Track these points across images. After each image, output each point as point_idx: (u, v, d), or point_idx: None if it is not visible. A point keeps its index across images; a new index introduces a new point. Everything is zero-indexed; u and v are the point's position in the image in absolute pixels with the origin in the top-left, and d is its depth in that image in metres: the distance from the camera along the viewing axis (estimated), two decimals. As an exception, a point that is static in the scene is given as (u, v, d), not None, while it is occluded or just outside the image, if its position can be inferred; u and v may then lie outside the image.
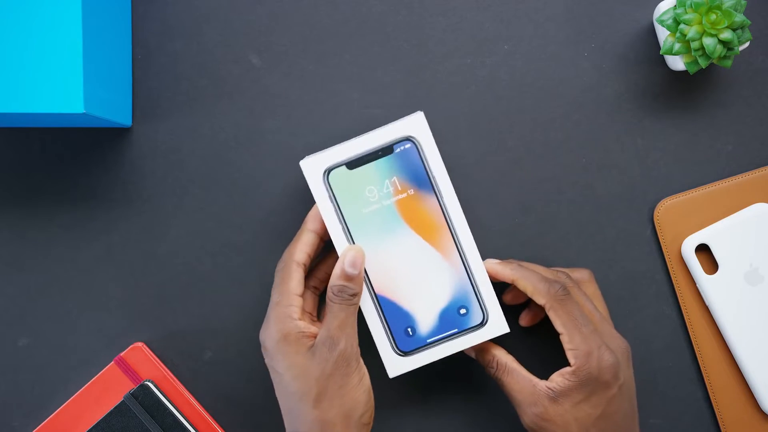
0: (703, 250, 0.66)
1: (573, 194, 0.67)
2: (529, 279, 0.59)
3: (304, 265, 0.59)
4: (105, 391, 0.66)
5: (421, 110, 0.60)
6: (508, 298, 0.65)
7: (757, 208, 0.66)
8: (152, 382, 0.65)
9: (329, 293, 0.58)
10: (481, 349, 0.61)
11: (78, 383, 0.67)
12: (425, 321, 0.60)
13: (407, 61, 0.67)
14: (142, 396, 0.65)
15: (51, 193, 0.67)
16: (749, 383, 0.66)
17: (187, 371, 0.67)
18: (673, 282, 0.67)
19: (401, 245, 0.60)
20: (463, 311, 0.60)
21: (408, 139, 0.59)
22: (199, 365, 0.67)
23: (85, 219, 0.67)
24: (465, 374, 0.67)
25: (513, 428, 0.67)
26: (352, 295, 0.58)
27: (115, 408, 0.65)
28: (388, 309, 0.60)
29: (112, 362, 0.66)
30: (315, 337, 0.57)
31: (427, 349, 0.60)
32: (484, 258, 0.61)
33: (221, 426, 0.67)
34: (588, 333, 0.57)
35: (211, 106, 0.67)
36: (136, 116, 0.67)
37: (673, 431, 0.67)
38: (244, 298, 0.67)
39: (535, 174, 0.67)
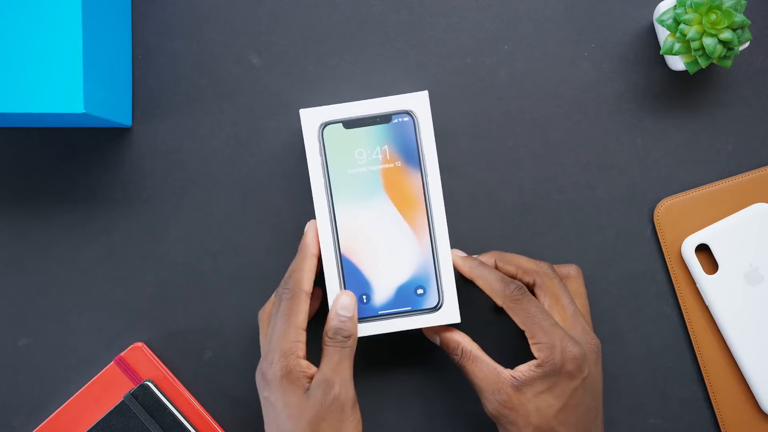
0: (703, 250, 0.66)
1: (573, 194, 0.67)
2: (486, 279, 0.60)
3: (310, 294, 0.59)
4: (105, 391, 0.66)
5: (425, 92, 0.62)
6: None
7: (757, 208, 0.66)
8: (152, 382, 0.65)
9: (324, 337, 0.58)
10: (446, 336, 0.61)
11: (78, 383, 0.67)
12: (381, 292, 0.61)
13: (407, 61, 0.67)
14: (142, 396, 0.65)
15: (51, 193, 0.67)
16: (749, 383, 0.66)
17: (187, 371, 0.67)
18: (673, 282, 0.67)
19: (376, 212, 0.61)
20: (420, 291, 0.61)
21: (407, 112, 0.61)
22: (199, 365, 0.67)
23: (85, 219, 0.67)
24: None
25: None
26: (346, 337, 0.58)
27: (115, 408, 0.65)
28: (348, 271, 0.61)
29: (112, 362, 0.66)
30: (312, 379, 0.57)
31: (376, 320, 0.61)
32: (453, 245, 0.63)
33: (221, 426, 0.67)
34: (549, 327, 0.57)
35: (211, 106, 0.67)
36: (136, 116, 0.67)
37: (673, 431, 0.68)
38: (244, 298, 0.67)
39: (535, 174, 0.67)
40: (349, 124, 0.61)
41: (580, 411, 0.58)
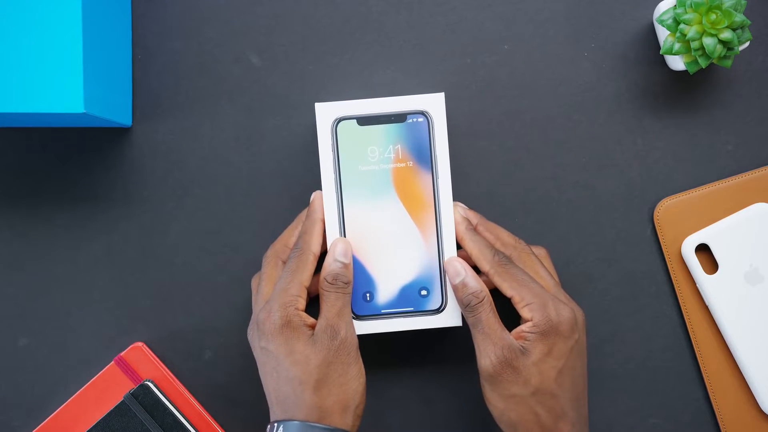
0: (703, 250, 0.66)
1: (573, 194, 0.67)
2: (477, 243, 0.60)
3: (318, 257, 0.60)
4: (105, 391, 0.66)
5: (442, 94, 0.61)
6: None
7: (757, 208, 0.66)
8: (152, 382, 0.65)
9: (323, 283, 0.59)
10: (473, 277, 0.59)
11: (78, 383, 0.67)
12: (385, 291, 0.61)
13: (407, 61, 0.67)
14: (142, 396, 0.65)
15: (51, 193, 0.67)
16: (749, 383, 0.66)
17: (187, 371, 0.67)
18: (673, 282, 0.67)
19: (385, 211, 0.61)
20: (423, 292, 0.61)
21: (423, 113, 0.61)
22: (199, 365, 0.67)
23: (85, 219, 0.67)
24: (465, 371, 0.67)
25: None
26: (345, 283, 0.59)
27: (115, 408, 0.65)
28: (354, 268, 0.61)
29: (112, 362, 0.66)
30: (314, 328, 0.58)
31: (379, 319, 0.61)
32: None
33: (221, 426, 0.67)
34: (538, 289, 0.58)
35: (211, 106, 0.67)
36: (136, 116, 0.67)
37: (673, 431, 0.68)
38: (244, 298, 0.67)
39: (535, 174, 0.67)
40: (363, 121, 0.61)
41: (573, 375, 0.58)
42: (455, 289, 0.60)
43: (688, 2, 0.60)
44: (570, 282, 0.67)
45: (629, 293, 0.67)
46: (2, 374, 0.67)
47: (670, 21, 0.62)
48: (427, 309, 0.61)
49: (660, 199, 0.67)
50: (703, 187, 0.67)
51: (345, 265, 0.59)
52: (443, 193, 0.61)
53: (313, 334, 0.57)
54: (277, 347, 0.57)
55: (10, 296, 0.67)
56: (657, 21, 0.63)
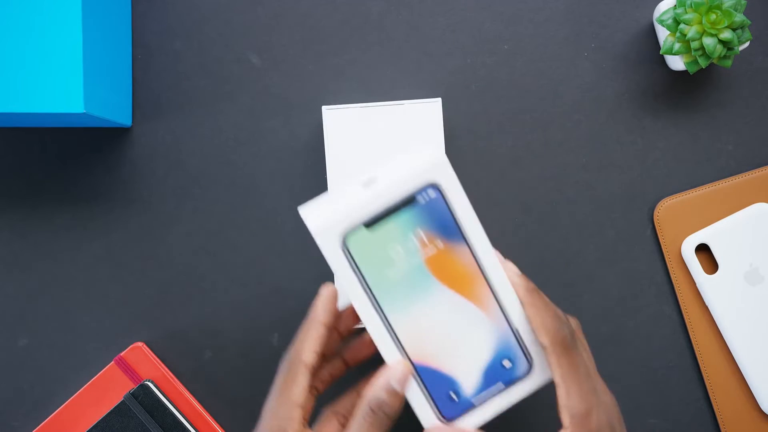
0: (703, 250, 0.66)
1: (573, 194, 0.67)
2: (540, 309, 0.51)
3: (313, 366, 0.51)
4: (105, 391, 0.66)
5: (442, 151, 0.55)
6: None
7: (757, 208, 0.66)
8: (152, 382, 0.65)
9: (364, 406, 0.50)
10: None
11: (78, 383, 0.67)
12: (469, 381, 0.53)
13: (407, 61, 0.67)
14: (142, 396, 0.65)
15: (51, 193, 0.67)
16: (749, 383, 0.66)
17: (187, 371, 0.67)
18: (673, 282, 0.67)
19: (436, 305, 0.52)
20: (507, 363, 0.53)
21: (431, 185, 0.51)
22: (199, 365, 0.67)
23: (85, 219, 0.67)
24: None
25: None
26: (387, 415, 0.50)
27: (115, 408, 0.65)
28: (427, 377, 0.53)
29: (112, 362, 0.66)
30: None
31: (473, 410, 0.54)
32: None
33: (221, 426, 0.67)
34: (587, 391, 0.50)
35: (211, 106, 0.67)
36: (136, 116, 0.67)
37: (673, 431, 0.68)
38: (244, 298, 0.67)
39: (535, 174, 0.67)
40: (371, 222, 0.51)
41: None
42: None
43: (688, 2, 0.60)
44: (570, 282, 0.67)
45: (629, 293, 0.67)
46: (2, 374, 0.67)
47: (670, 21, 0.62)
48: (517, 377, 0.53)
49: (660, 199, 0.67)
50: (703, 187, 0.67)
51: (395, 395, 0.50)
52: (484, 257, 0.52)
53: None
54: None
55: (10, 296, 0.67)
56: (657, 21, 0.63)
